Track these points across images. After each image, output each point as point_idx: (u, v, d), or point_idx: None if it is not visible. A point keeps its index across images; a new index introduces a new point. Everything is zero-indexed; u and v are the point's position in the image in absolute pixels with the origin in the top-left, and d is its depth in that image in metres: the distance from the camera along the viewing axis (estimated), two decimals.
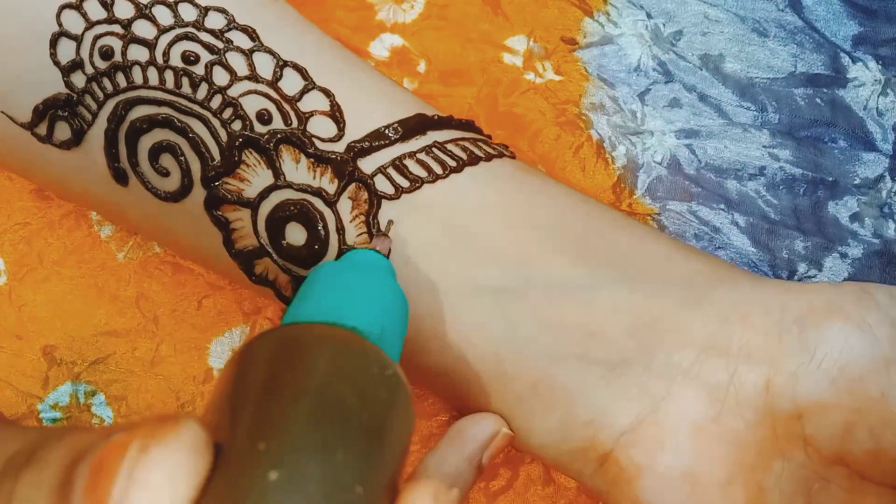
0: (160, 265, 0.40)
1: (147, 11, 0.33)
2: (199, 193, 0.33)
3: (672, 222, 0.39)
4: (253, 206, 0.33)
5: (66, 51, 0.33)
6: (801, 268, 0.39)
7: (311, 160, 0.33)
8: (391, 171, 0.33)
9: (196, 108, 0.33)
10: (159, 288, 0.40)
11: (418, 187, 0.33)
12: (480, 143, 0.35)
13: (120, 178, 0.34)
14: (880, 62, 0.41)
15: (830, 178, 0.40)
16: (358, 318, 0.27)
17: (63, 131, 0.34)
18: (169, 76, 0.33)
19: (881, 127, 0.40)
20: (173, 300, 0.40)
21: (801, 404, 0.30)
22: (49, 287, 0.40)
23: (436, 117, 0.34)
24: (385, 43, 0.42)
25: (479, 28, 0.41)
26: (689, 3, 0.41)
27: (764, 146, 0.40)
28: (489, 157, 0.34)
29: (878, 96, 0.40)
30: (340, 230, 0.33)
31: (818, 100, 0.40)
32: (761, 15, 0.41)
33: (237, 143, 0.33)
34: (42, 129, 0.34)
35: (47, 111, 0.34)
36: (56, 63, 0.33)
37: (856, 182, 0.40)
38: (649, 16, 0.41)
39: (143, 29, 0.33)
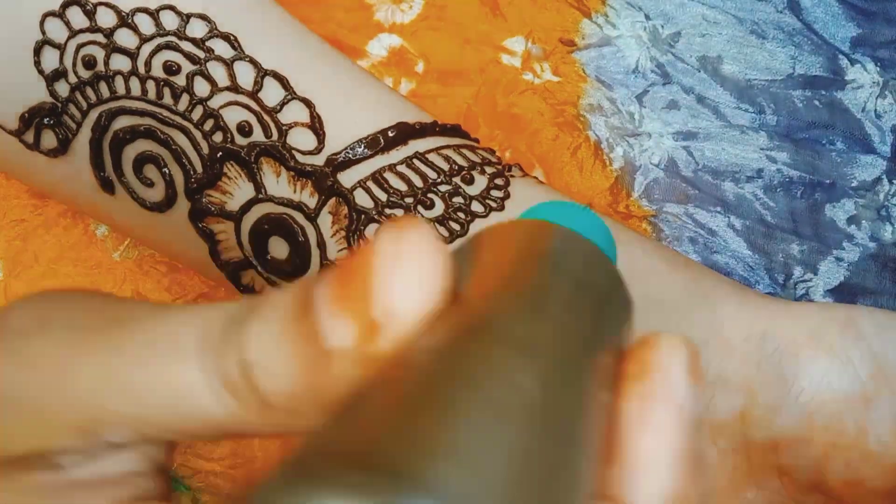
0: (155, 265, 0.39)
1: (129, 20, 0.32)
2: (183, 205, 0.32)
3: (668, 225, 0.39)
4: (235, 218, 0.32)
5: (50, 59, 0.32)
6: (797, 271, 0.38)
7: (292, 173, 0.32)
8: (371, 184, 0.32)
9: (178, 119, 0.32)
10: (154, 286, 0.39)
11: (398, 202, 0.32)
12: (464, 151, 0.33)
13: (107, 187, 0.33)
14: (879, 64, 0.40)
15: (828, 181, 0.39)
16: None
17: (49, 139, 0.33)
18: (151, 87, 0.32)
19: (879, 129, 0.39)
20: (169, 299, 0.39)
21: (776, 436, 0.29)
22: (45, 285, 0.39)
23: (417, 125, 0.33)
24: (383, 43, 0.41)
25: (478, 29, 0.41)
26: (688, 5, 0.41)
27: (761, 148, 0.39)
28: (472, 166, 0.33)
29: (877, 98, 0.40)
30: (321, 245, 0.32)
31: (816, 102, 0.40)
32: (760, 17, 0.41)
33: (218, 156, 0.32)
34: (29, 137, 0.33)
35: (33, 119, 0.33)
36: (40, 71, 0.32)
37: (853, 184, 0.39)
38: (647, 17, 0.41)
39: (124, 38, 0.32)
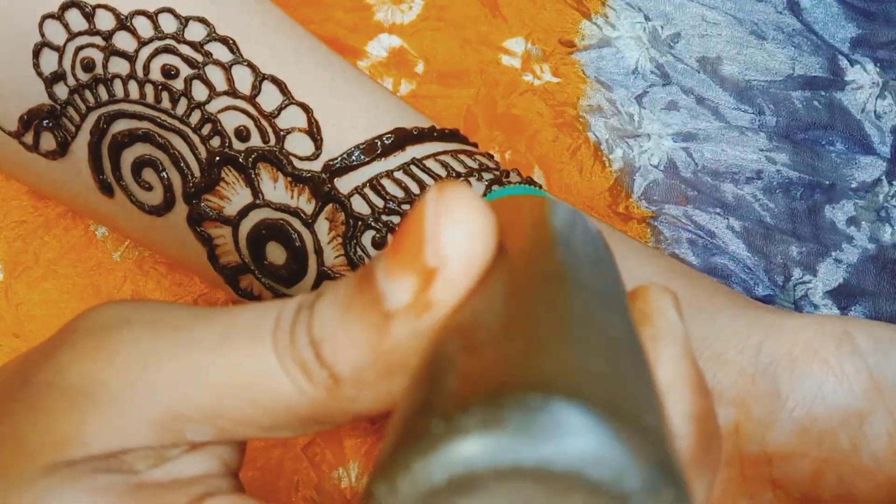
0: (156, 265, 0.39)
1: (128, 23, 0.32)
2: (181, 209, 0.32)
3: (668, 226, 0.39)
4: (233, 223, 0.32)
5: (49, 62, 0.32)
6: (796, 273, 0.38)
7: (289, 179, 0.32)
8: (368, 191, 0.32)
9: (176, 123, 0.32)
10: (154, 286, 0.39)
11: (395, 209, 0.32)
12: (462, 157, 0.33)
13: (106, 189, 0.33)
14: (878, 65, 0.40)
15: (827, 182, 0.39)
16: None
17: (48, 142, 0.33)
18: (149, 90, 0.32)
19: (879, 130, 0.39)
20: (168, 299, 0.39)
21: (769, 450, 0.29)
22: (45, 286, 0.39)
23: (415, 131, 0.33)
24: (383, 43, 0.41)
25: (478, 29, 0.41)
26: (687, 6, 0.41)
27: (761, 149, 0.39)
28: (469, 173, 0.33)
29: (876, 99, 0.40)
30: (318, 252, 0.32)
31: (816, 102, 0.40)
32: (759, 17, 0.41)
33: (216, 160, 0.32)
34: (28, 139, 0.33)
35: (32, 121, 0.33)
36: (39, 74, 0.33)
37: (853, 185, 0.39)
38: (647, 18, 0.41)
39: (123, 41, 0.32)
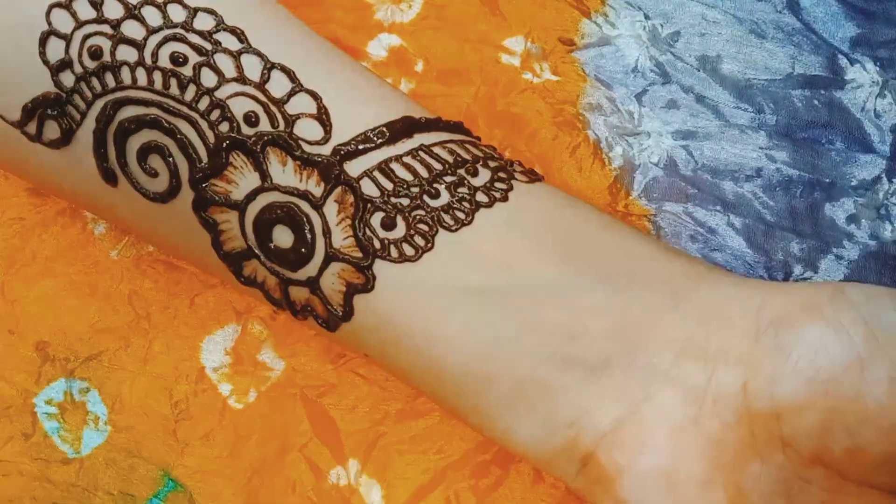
0: (153, 264, 0.39)
1: (136, 12, 0.32)
2: (187, 194, 0.33)
3: (668, 223, 0.39)
4: (240, 208, 0.32)
5: (56, 50, 0.33)
6: (797, 270, 0.38)
7: (298, 163, 0.32)
8: (377, 174, 0.32)
9: (184, 109, 0.32)
10: (152, 285, 0.39)
11: (404, 192, 0.32)
12: (467, 146, 0.34)
13: (109, 178, 0.33)
14: (878, 64, 0.40)
15: (827, 180, 0.39)
16: None
17: (52, 130, 0.33)
18: (157, 77, 0.32)
19: (878, 129, 0.39)
20: (166, 298, 0.39)
21: (777, 405, 0.30)
22: (42, 283, 0.39)
23: (423, 119, 0.33)
24: (383, 43, 0.41)
25: (477, 28, 0.41)
26: (687, 5, 0.41)
27: (761, 148, 0.39)
28: (475, 160, 0.33)
29: (876, 98, 0.40)
30: (327, 233, 0.32)
31: (816, 101, 0.40)
32: (759, 16, 0.41)
33: (224, 145, 0.32)
34: (31, 128, 0.33)
35: (36, 110, 0.33)
36: (45, 62, 0.33)
37: (853, 184, 0.39)
38: (647, 17, 0.41)
39: (131, 29, 0.32)
